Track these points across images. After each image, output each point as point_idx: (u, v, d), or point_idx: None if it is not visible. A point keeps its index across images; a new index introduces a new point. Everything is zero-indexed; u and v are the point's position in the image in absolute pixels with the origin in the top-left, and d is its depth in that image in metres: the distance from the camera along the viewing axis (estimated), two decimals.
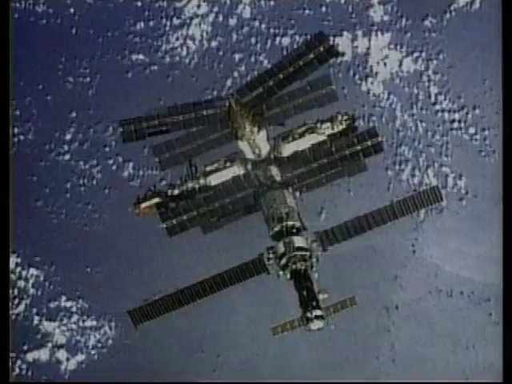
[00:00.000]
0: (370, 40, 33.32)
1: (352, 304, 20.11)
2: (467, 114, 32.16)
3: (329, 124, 23.09)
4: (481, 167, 31.06)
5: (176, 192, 23.01)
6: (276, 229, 21.24)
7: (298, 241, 20.61)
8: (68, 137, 32.95)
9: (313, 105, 22.82)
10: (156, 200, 22.97)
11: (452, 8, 33.20)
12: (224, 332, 31.12)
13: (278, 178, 22.71)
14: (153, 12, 33.96)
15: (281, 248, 20.61)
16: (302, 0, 33.16)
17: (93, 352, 31.53)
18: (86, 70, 33.47)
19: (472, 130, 31.93)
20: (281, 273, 20.75)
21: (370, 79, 32.82)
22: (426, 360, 30.84)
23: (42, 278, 31.84)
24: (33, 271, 31.88)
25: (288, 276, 20.47)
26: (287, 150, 23.39)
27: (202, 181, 22.96)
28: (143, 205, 22.94)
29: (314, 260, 20.61)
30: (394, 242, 31.09)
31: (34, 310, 31.63)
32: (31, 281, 31.83)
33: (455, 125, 32.22)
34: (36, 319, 31.55)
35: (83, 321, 31.59)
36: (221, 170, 23.35)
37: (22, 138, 33.08)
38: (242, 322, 30.92)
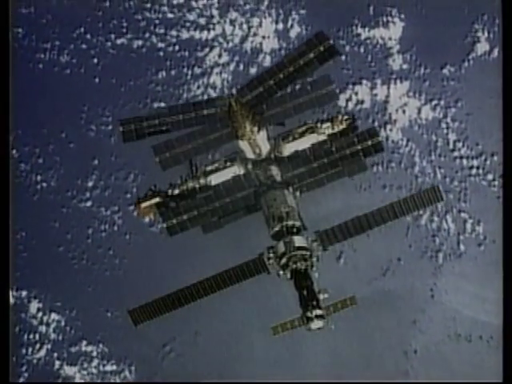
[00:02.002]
0: (389, 88, 34.70)
1: (352, 303, 20.89)
2: (485, 160, 33.30)
3: (329, 124, 24.20)
4: (499, 213, 30.86)
5: (176, 192, 24.00)
6: (276, 228, 22.04)
7: (299, 240, 21.45)
8: (90, 184, 34.26)
9: (313, 104, 23.89)
10: (156, 200, 23.93)
11: (470, 57, 34.76)
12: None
13: (279, 178, 23.65)
14: (174, 61, 35.62)
15: (281, 248, 21.40)
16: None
17: None
18: (109, 119, 34.86)
19: (490, 177, 33.06)
20: (281, 272, 21.39)
21: (388, 126, 34.02)
22: None
23: (63, 323, 32.90)
24: (54, 316, 32.98)
25: (288, 275, 21.11)
26: (287, 149, 24.26)
27: (202, 180, 23.88)
28: (143, 204, 23.90)
29: (315, 259, 21.35)
30: (412, 287, 31.97)
31: (55, 355, 32.72)
32: (52, 326, 32.90)
33: (473, 171, 33.28)
34: (57, 364, 32.61)
35: (103, 365, 32.49)
36: (221, 169, 24.24)
37: (44, 185, 34.48)
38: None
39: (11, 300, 33.21)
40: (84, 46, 36.47)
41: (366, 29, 35.88)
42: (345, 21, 35.92)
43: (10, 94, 31.92)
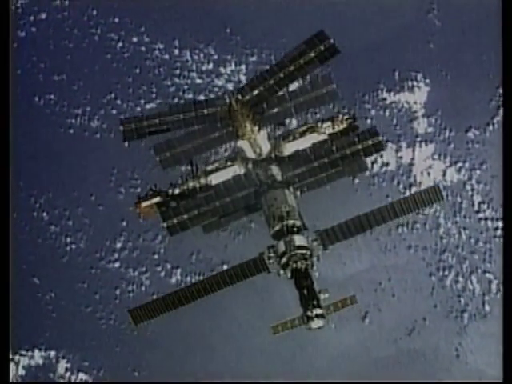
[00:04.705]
0: (414, 151, 36.00)
1: (353, 303, 21.35)
2: None
3: (329, 123, 25.03)
4: None
5: (177, 191, 24.69)
6: (276, 228, 22.56)
7: (299, 240, 22.06)
8: (118, 245, 35.76)
9: (313, 104, 24.75)
10: (157, 199, 24.62)
11: (495, 120, 36.20)
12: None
13: (279, 178, 24.25)
14: None
15: (281, 247, 22.01)
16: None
17: None
18: (137, 181, 36.33)
19: None
20: (281, 272, 21.91)
21: (413, 188, 35.21)
22: None
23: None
24: (82, 376, 34.14)
25: (288, 275, 21.61)
26: (288, 149, 24.91)
27: (202, 180, 24.59)
28: (144, 204, 24.62)
29: (315, 259, 21.99)
30: (437, 347, 32.74)
31: None
32: None
33: (498, 232, 34.19)
34: None
35: None
36: (221, 169, 24.90)
37: (73, 247, 36.08)
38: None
39: (40, 360, 35.49)
40: (114, 112, 38.51)
41: (392, 93, 37.50)
42: (370, 85, 37.60)
43: (41, 158, 35.25)
